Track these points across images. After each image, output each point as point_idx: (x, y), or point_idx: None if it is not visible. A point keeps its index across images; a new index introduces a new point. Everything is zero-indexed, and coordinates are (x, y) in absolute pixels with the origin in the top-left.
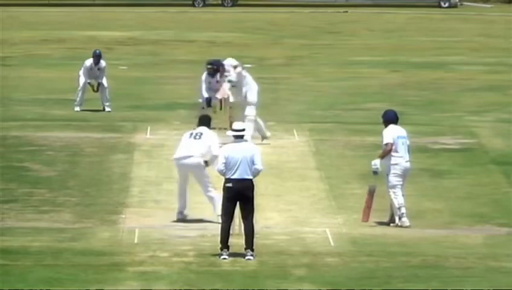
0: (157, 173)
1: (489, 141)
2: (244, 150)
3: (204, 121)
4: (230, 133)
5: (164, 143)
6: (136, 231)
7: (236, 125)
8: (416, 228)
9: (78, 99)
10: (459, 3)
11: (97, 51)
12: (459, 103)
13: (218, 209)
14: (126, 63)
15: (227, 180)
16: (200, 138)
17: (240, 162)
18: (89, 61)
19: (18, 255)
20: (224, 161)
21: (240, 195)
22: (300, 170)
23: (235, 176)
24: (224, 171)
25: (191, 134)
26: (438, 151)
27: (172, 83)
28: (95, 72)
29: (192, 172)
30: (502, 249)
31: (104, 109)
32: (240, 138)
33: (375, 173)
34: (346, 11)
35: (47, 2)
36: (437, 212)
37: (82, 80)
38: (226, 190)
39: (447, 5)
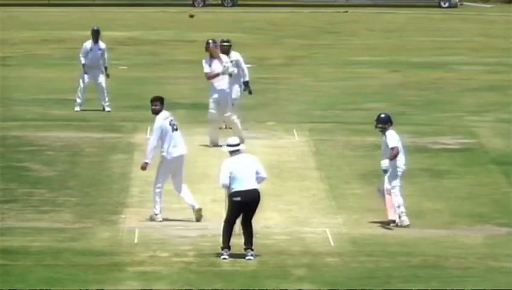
0: None
1: (489, 141)
2: (246, 161)
3: (162, 99)
4: (226, 149)
5: None
6: (136, 231)
7: (232, 140)
8: (416, 228)
9: (79, 100)
10: (459, 3)
11: (95, 27)
12: (459, 103)
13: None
14: (126, 63)
15: (235, 194)
16: (177, 128)
17: (246, 173)
18: (88, 43)
19: (18, 255)
20: (228, 175)
21: (247, 206)
22: (300, 170)
23: (243, 188)
24: (228, 185)
25: (170, 123)
26: (438, 151)
27: (173, 83)
28: (95, 54)
29: (179, 167)
30: (502, 249)
31: (104, 109)
32: (236, 151)
33: (385, 171)
34: (346, 11)
35: (47, 2)
36: (437, 212)
37: (82, 76)
38: (234, 203)
39: (447, 5)
